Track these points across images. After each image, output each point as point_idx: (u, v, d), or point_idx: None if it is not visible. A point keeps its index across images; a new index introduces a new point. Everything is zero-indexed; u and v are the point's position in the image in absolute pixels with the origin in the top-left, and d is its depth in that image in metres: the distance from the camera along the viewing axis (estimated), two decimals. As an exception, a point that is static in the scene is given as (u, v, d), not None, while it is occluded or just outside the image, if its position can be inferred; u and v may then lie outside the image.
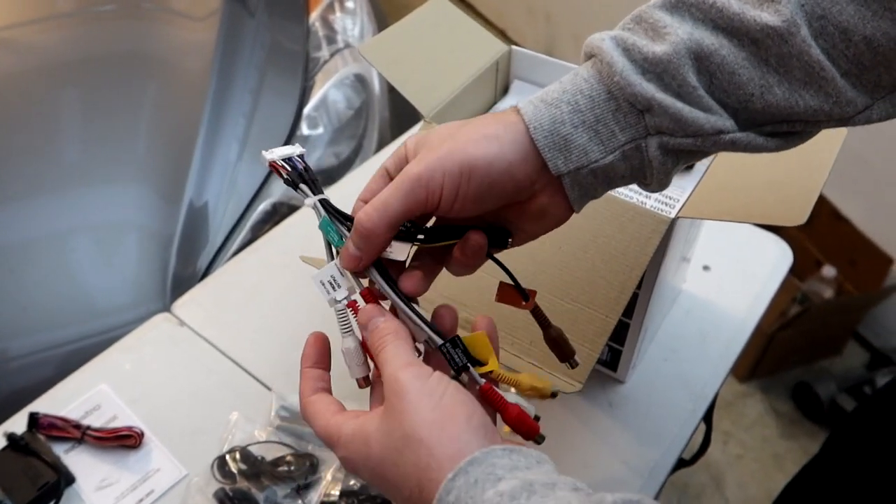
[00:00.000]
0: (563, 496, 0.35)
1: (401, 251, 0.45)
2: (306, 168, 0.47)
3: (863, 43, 0.40)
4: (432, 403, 0.39)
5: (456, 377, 0.44)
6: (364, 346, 0.46)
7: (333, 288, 0.45)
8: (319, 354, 0.47)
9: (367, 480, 0.42)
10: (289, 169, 0.47)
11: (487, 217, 0.46)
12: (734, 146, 0.42)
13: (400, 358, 0.41)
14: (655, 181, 0.45)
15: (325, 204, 0.46)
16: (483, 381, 0.43)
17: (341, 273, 0.45)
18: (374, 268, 0.45)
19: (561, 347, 0.51)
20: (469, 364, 0.43)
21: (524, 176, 0.43)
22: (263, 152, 0.47)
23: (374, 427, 0.40)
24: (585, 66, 0.44)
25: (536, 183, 0.44)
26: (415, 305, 0.45)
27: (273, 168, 0.47)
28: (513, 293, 0.49)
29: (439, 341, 0.43)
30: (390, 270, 0.46)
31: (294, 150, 0.47)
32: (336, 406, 0.44)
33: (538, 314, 0.50)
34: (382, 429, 0.40)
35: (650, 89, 0.41)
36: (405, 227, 0.44)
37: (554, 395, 0.46)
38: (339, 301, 0.45)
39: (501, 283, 0.49)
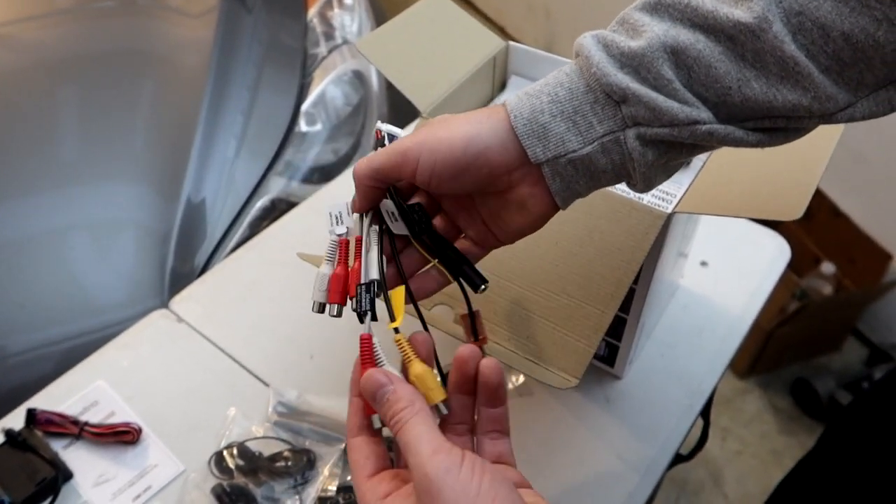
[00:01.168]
0: None
1: (399, 227, 0.49)
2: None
3: (841, 39, 0.40)
4: (470, 499, 0.37)
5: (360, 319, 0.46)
6: (334, 280, 0.48)
7: (337, 222, 0.50)
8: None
9: None
10: (385, 137, 0.52)
11: (482, 205, 0.48)
12: (712, 137, 0.43)
13: (425, 443, 0.39)
14: (640, 177, 0.45)
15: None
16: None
17: (349, 214, 0.50)
18: (369, 217, 0.49)
19: (469, 322, 0.52)
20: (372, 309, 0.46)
21: (500, 161, 0.44)
22: (379, 123, 0.53)
23: None
24: (570, 63, 0.46)
25: (516, 171, 0.45)
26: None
27: (377, 135, 0.53)
28: (468, 326, 0.52)
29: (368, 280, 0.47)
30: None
31: (402, 133, 0.52)
32: (373, 461, 0.42)
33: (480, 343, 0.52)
34: None
35: (625, 80, 0.42)
36: (415, 214, 0.48)
37: (437, 407, 0.44)
38: (335, 234, 0.50)
39: (462, 315, 0.52)
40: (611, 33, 0.44)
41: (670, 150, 0.44)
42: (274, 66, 1.31)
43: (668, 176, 0.48)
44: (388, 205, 0.49)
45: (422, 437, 0.39)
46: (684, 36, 0.41)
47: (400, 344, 0.44)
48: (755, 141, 0.44)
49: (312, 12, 1.41)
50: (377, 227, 0.49)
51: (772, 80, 0.41)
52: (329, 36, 1.40)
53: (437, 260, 0.49)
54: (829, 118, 0.42)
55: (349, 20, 1.44)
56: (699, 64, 0.41)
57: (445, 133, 0.45)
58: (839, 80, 0.41)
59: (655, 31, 0.42)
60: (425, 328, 0.47)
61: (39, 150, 1.16)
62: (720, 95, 0.42)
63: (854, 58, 0.40)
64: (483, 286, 0.48)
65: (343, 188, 1.01)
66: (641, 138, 0.43)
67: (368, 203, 0.49)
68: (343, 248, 0.49)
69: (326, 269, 0.49)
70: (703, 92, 0.42)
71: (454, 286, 0.50)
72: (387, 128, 0.52)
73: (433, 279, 0.50)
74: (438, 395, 0.43)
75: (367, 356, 0.44)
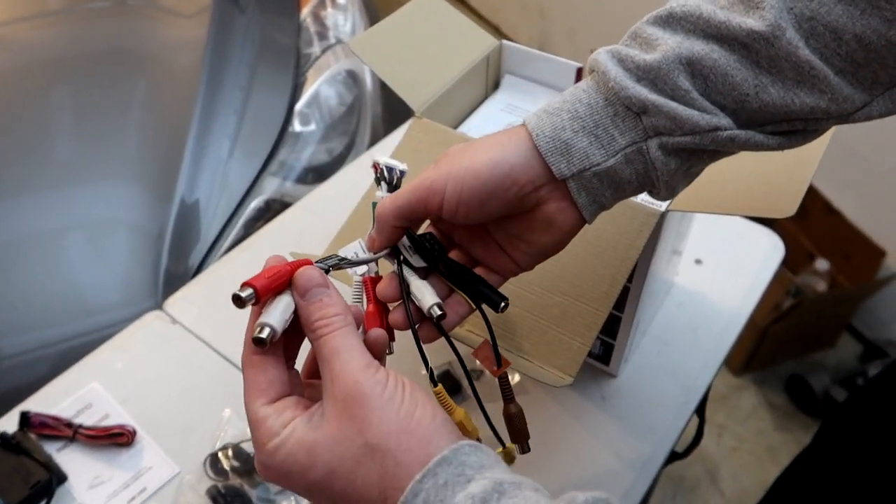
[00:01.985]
0: (530, 496, 0.34)
1: (417, 260, 0.48)
2: (398, 180, 0.51)
3: (854, 41, 0.40)
4: (395, 408, 0.37)
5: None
6: (369, 319, 0.47)
7: (354, 257, 0.49)
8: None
9: (300, 493, 0.39)
10: (383, 171, 0.51)
11: (498, 230, 0.48)
12: (734, 143, 0.43)
13: (356, 354, 0.38)
14: (663, 186, 0.45)
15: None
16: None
17: (363, 251, 0.49)
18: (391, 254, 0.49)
19: (515, 426, 0.50)
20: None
21: (527, 180, 0.44)
22: (375, 157, 0.52)
23: (320, 434, 0.37)
24: (586, 79, 0.46)
25: (542, 189, 0.45)
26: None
27: (375, 169, 0.51)
28: (489, 354, 0.51)
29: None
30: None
31: (400, 165, 0.51)
32: (276, 387, 0.40)
33: (504, 383, 0.51)
34: (334, 436, 0.37)
35: (643, 92, 0.42)
36: (427, 243, 0.48)
37: (478, 440, 0.44)
38: (357, 275, 0.50)
39: (484, 341, 0.52)
40: (624, 48, 0.44)
41: (692, 157, 0.45)
42: (267, 66, 1.31)
43: (690, 182, 0.48)
44: (401, 241, 0.49)
45: (354, 348, 0.39)
46: (698, 47, 0.42)
47: (440, 395, 0.45)
48: (775, 144, 0.44)
49: (305, 12, 1.41)
50: (403, 260, 0.49)
51: (788, 84, 0.41)
52: (322, 35, 1.40)
53: (456, 286, 0.49)
54: (846, 118, 0.43)
55: (342, 20, 1.44)
56: (715, 73, 0.42)
57: (468, 161, 0.44)
58: (854, 81, 0.42)
59: (669, 43, 0.42)
60: (454, 350, 0.48)
61: (32, 151, 1.16)
62: (738, 102, 0.42)
63: (867, 58, 0.41)
64: (503, 303, 0.47)
65: (337, 188, 1.01)
66: (664, 148, 0.43)
67: (390, 242, 0.48)
68: (369, 287, 0.49)
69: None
70: (720, 100, 0.42)
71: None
72: (385, 161, 0.51)
73: (464, 303, 0.49)
74: (475, 434, 0.45)
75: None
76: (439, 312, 0.46)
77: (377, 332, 0.44)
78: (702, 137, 0.42)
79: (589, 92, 0.44)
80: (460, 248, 0.51)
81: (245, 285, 0.39)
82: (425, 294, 0.47)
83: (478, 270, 0.50)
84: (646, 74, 0.42)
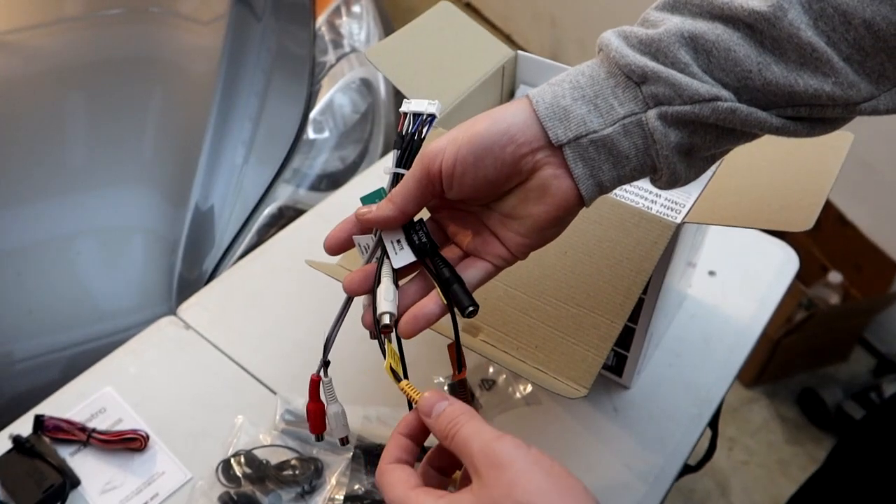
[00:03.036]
0: None
1: (399, 259, 0.48)
2: (419, 136, 0.49)
3: (863, 26, 0.40)
4: (544, 472, 0.37)
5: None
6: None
7: (364, 252, 0.49)
8: (415, 429, 0.44)
9: None
10: (410, 126, 0.49)
11: (491, 214, 0.47)
12: (735, 115, 0.42)
13: (488, 432, 0.39)
14: (664, 164, 0.44)
15: (397, 179, 0.49)
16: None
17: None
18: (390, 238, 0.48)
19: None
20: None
21: (524, 140, 0.44)
22: (406, 101, 0.50)
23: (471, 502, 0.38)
24: (593, 58, 0.46)
25: (538, 152, 0.44)
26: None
27: (402, 116, 0.50)
28: (453, 356, 0.50)
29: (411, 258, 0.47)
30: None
31: (429, 108, 0.49)
32: (416, 480, 0.42)
33: (461, 389, 0.51)
34: (482, 502, 0.37)
35: (643, 60, 0.42)
36: (418, 242, 0.47)
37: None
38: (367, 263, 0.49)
39: (449, 345, 0.51)
40: (630, 27, 0.45)
41: (694, 133, 0.44)
42: (282, 74, 1.32)
43: (696, 174, 0.47)
44: (391, 235, 0.48)
45: (484, 429, 0.40)
46: (702, 25, 0.42)
47: (408, 388, 0.45)
48: (779, 124, 0.43)
49: (321, 20, 1.42)
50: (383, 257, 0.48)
51: (791, 66, 0.41)
52: (337, 44, 1.40)
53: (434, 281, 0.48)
54: (853, 108, 0.42)
55: (357, 28, 1.44)
56: (718, 48, 0.42)
57: (468, 125, 0.45)
58: (860, 70, 0.41)
59: (674, 21, 0.43)
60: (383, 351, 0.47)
61: (49, 156, 1.17)
62: (741, 80, 0.42)
63: (875, 47, 0.40)
64: (470, 308, 0.46)
65: (351, 195, 1.01)
66: (663, 118, 0.43)
67: (391, 220, 0.47)
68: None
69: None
70: (723, 76, 0.42)
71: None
72: (413, 105, 0.50)
73: (438, 304, 0.48)
74: None
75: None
76: (386, 322, 0.45)
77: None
78: (702, 107, 0.42)
79: (592, 66, 0.45)
80: (454, 242, 0.50)
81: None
82: (382, 300, 0.46)
83: (468, 261, 0.49)
84: (647, 48, 0.43)
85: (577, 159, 0.44)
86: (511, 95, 0.82)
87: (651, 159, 0.44)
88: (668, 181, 0.46)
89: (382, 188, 0.49)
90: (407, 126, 0.49)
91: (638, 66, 0.42)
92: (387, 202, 0.47)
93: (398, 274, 0.48)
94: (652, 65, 0.42)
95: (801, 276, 1.78)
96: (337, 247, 0.49)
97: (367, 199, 0.49)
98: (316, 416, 0.51)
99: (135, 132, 1.21)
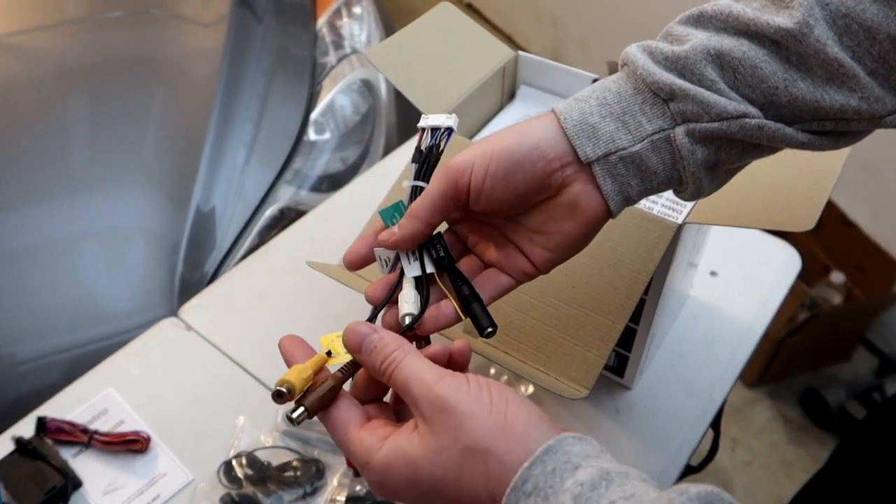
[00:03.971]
0: (637, 485, 0.35)
1: (412, 269, 0.48)
2: (436, 150, 0.49)
3: (888, 41, 0.40)
4: (485, 410, 0.38)
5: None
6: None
7: (385, 265, 0.49)
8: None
9: (412, 497, 0.40)
10: (428, 139, 0.49)
11: (517, 229, 0.47)
12: (762, 132, 0.42)
13: (426, 372, 0.40)
14: (690, 178, 0.44)
15: (416, 192, 0.49)
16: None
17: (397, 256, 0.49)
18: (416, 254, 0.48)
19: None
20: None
21: (554, 155, 0.44)
22: (423, 116, 0.51)
23: (419, 449, 0.38)
24: (617, 73, 0.46)
25: (567, 168, 0.44)
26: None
27: (420, 131, 0.50)
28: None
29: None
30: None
31: (447, 121, 0.50)
32: (360, 415, 0.42)
33: None
34: (432, 448, 0.38)
35: (671, 78, 0.42)
36: (436, 255, 0.47)
37: None
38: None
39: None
40: (654, 42, 0.45)
41: (720, 149, 0.44)
42: (283, 75, 1.32)
43: (718, 185, 0.47)
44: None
45: (422, 369, 0.40)
46: (728, 41, 0.42)
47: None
48: (805, 140, 0.43)
49: (321, 21, 1.42)
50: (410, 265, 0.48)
51: (818, 81, 0.41)
52: (338, 45, 1.40)
53: (453, 296, 0.48)
54: (878, 121, 0.43)
55: (358, 29, 1.45)
56: (744, 65, 0.42)
57: (496, 139, 0.45)
58: (885, 84, 0.42)
59: (699, 37, 0.43)
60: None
61: (50, 158, 1.17)
62: (767, 96, 0.42)
63: None
64: (489, 329, 0.46)
65: (352, 196, 1.01)
66: (691, 134, 0.43)
67: (414, 242, 0.47)
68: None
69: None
70: (749, 93, 0.42)
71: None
72: (430, 121, 0.50)
73: (452, 313, 0.48)
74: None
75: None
76: (407, 322, 0.46)
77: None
78: (730, 124, 0.42)
79: (618, 82, 0.45)
80: (474, 253, 0.49)
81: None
82: (404, 303, 0.47)
83: (489, 272, 0.48)
84: (674, 64, 0.43)
85: (607, 175, 0.44)
86: (512, 96, 0.82)
87: (678, 173, 0.45)
88: (693, 194, 0.46)
89: (401, 201, 0.48)
90: (425, 140, 0.49)
91: (665, 83, 0.42)
92: (410, 219, 0.46)
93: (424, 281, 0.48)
94: (679, 82, 0.42)
95: (803, 277, 1.78)
96: (358, 261, 0.49)
97: (385, 213, 0.48)
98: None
99: (136, 134, 1.21)
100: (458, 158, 0.45)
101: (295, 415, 0.41)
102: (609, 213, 0.46)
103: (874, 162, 1.67)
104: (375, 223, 0.49)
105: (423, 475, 0.38)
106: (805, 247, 1.76)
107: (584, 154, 0.44)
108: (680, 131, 0.43)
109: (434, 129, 0.49)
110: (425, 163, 0.49)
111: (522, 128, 0.45)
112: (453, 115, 0.50)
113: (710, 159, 0.44)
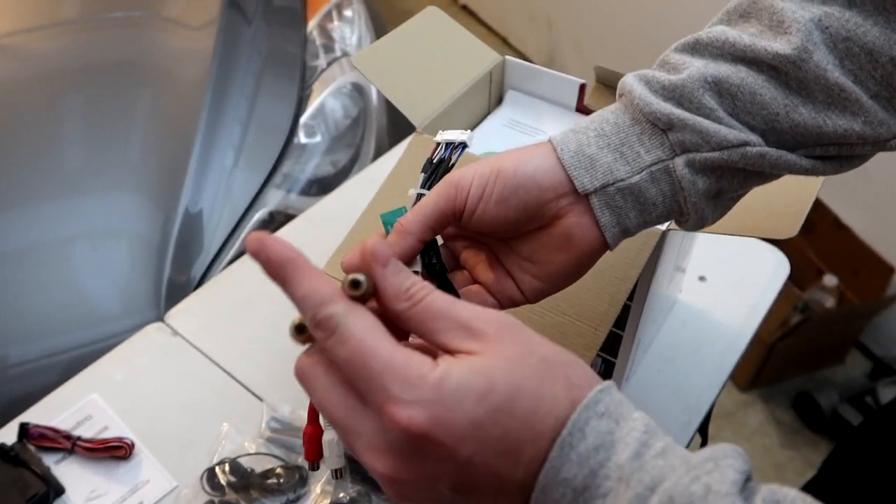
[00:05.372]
0: (680, 451, 0.33)
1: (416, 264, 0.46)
2: (446, 163, 0.51)
3: (890, 64, 0.40)
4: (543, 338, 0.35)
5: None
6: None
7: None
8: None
9: (461, 434, 0.31)
10: (438, 152, 0.51)
11: (510, 253, 0.46)
12: (764, 160, 0.42)
13: (462, 302, 0.35)
14: (691, 209, 0.44)
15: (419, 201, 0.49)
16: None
17: None
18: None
19: None
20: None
21: (550, 185, 0.43)
22: (440, 131, 0.53)
23: (494, 360, 0.32)
24: (615, 103, 0.45)
25: (563, 199, 0.43)
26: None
27: (435, 145, 0.52)
28: None
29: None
30: None
31: (460, 136, 0.51)
32: (387, 333, 0.33)
33: None
34: (509, 358, 0.32)
35: (669, 107, 0.42)
36: (428, 261, 0.46)
37: None
38: None
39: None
40: (651, 71, 0.44)
41: (721, 178, 0.43)
42: (273, 78, 1.32)
43: (721, 213, 0.47)
44: None
45: (457, 300, 0.34)
46: (725, 68, 0.41)
47: None
48: (808, 166, 0.43)
49: (312, 24, 1.42)
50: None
51: (819, 106, 0.41)
52: (328, 48, 1.40)
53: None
54: (882, 145, 0.42)
55: (349, 32, 1.44)
56: (743, 92, 0.41)
57: (494, 161, 0.44)
58: (889, 106, 0.41)
59: (696, 65, 0.42)
60: None
61: (38, 161, 1.17)
62: (768, 122, 0.41)
63: None
64: None
65: (341, 200, 1.01)
66: (691, 165, 0.42)
67: (406, 257, 0.44)
68: None
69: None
70: (749, 120, 0.42)
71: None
72: (446, 136, 0.52)
73: None
74: None
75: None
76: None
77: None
78: (730, 153, 0.41)
79: (616, 113, 0.44)
80: (465, 268, 0.49)
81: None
82: None
83: (477, 287, 0.47)
84: (671, 93, 0.42)
85: (604, 207, 0.43)
86: (499, 101, 0.82)
87: (678, 204, 0.44)
88: (695, 224, 0.45)
89: (404, 207, 0.48)
90: (438, 152, 0.51)
91: (663, 113, 0.42)
92: (404, 235, 0.43)
93: None
94: (677, 112, 0.41)
95: (796, 280, 1.78)
96: (355, 269, 0.47)
97: (387, 217, 0.47)
98: (312, 440, 0.46)
99: (125, 136, 1.21)
100: (458, 174, 0.44)
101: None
102: (605, 246, 0.45)
103: (867, 166, 1.66)
104: (362, 225, 0.49)
105: (499, 384, 0.32)
106: (798, 250, 1.76)
107: (582, 185, 0.43)
108: (679, 162, 0.42)
109: (448, 144, 0.51)
110: (434, 173, 0.50)
111: (522, 154, 0.44)
112: (468, 131, 0.51)
113: (711, 189, 0.43)
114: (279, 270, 0.36)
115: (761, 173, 0.44)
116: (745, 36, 0.41)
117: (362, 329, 0.33)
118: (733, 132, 0.41)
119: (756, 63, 0.41)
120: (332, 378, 0.34)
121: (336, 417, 0.34)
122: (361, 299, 0.34)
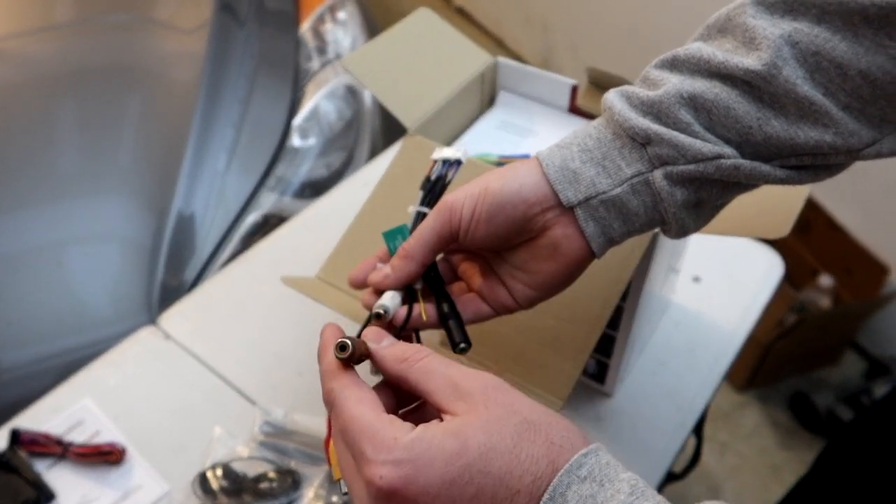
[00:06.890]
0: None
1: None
2: (443, 180, 0.54)
3: (859, 77, 0.41)
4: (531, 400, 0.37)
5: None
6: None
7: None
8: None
9: (433, 493, 0.34)
10: (435, 170, 0.54)
11: (502, 263, 0.49)
12: (738, 171, 0.43)
13: (455, 364, 0.38)
14: (672, 219, 0.46)
15: (420, 217, 0.52)
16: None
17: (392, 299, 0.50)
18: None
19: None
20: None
21: (535, 199, 0.45)
22: (437, 149, 0.56)
23: (466, 422, 0.34)
24: (599, 118, 0.48)
25: (549, 212, 0.46)
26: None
27: (432, 162, 0.55)
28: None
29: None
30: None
31: (455, 154, 0.54)
32: (377, 403, 0.37)
33: None
34: (488, 419, 0.34)
35: (647, 123, 0.44)
36: (429, 275, 0.49)
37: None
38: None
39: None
40: (631, 87, 0.46)
41: (700, 189, 0.45)
42: (266, 80, 1.31)
43: (705, 221, 0.49)
44: None
45: (450, 363, 0.38)
46: (700, 84, 0.43)
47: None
48: (783, 176, 0.44)
49: (305, 27, 1.41)
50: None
51: (791, 119, 0.42)
52: (322, 50, 1.40)
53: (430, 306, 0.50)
54: (855, 154, 0.43)
55: (342, 35, 1.44)
56: (717, 106, 0.43)
57: (483, 181, 0.47)
58: (861, 117, 0.42)
59: (673, 81, 0.44)
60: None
61: (31, 165, 1.16)
62: (742, 135, 0.43)
63: (874, 95, 0.41)
64: (461, 345, 0.47)
65: (335, 203, 1.00)
66: (669, 177, 0.44)
67: (410, 280, 0.48)
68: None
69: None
70: (724, 133, 0.43)
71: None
72: (442, 153, 0.55)
73: (431, 316, 0.49)
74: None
75: None
76: (379, 311, 0.47)
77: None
78: (706, 165, 0.43)
79: (599, 128, 0.46)
80: (463, 279, 0.52)
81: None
82: (383, 297, 0.48)
83: (472, 296, 0.50)
84: (650, 109, 0.44)
85: (589, 219, 0.46)
86: (491, 102, 0.81)
87: (660, 214, 0.46)
88: (678, 232, 0.47)
89: (406, 225, 0.51)
90: (435, 170, 0.54)
91: (641, 128, 0.44)
92: (406, 261, 0.47)
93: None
94: (655, 127, 0.43)
95: (791, 280, 1.78)
96: (361, 284, 0.51)
97: (389, 235, 0.51)
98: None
99: (117, 140, 1.20)
100: (451, 198, 0.47)
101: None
102: (592, 255, 0.47)
103: (861, 165, 1.67)
104: (356, 228, 0.50)
105: (472, 443, 0.34)
106: (792, 250, 1.76)
107: (566, 198, 0.45)
108: (658, 174, 0.44)
109: (444, 161, 0.54)
110: (431, 191, 0.53)
111: (507, 172, 0.46)
112: (463, 149, 0.55)
113: (690, 199, 0.45)
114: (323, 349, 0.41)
115: (739, 184, 0.46)
116: (720, 52, 0.43)
117: (353, 401, 0.37)
118: (708, 145, 0.43)
119: (730, 79, 0.43)
120: (339, 445, 0.38)
121: (344, 478, 0.38)
122: (350, 359, 0.39)
